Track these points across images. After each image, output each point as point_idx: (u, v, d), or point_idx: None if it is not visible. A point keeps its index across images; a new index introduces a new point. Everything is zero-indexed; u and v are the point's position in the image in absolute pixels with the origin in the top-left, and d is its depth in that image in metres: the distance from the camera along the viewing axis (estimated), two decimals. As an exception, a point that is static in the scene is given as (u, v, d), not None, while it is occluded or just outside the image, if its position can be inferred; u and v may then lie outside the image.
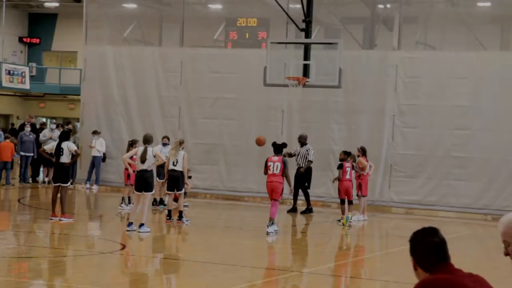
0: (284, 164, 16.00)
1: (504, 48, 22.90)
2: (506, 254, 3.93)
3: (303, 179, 20.75)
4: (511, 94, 21.56)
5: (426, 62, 22.62)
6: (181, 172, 17.30)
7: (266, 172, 16.13)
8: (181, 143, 17.44)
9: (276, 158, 16.01)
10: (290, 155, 20.37)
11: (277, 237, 16.00)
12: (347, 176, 18.64)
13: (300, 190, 20.69)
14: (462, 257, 13.52)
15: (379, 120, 22.84)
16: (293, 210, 20.92)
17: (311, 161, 20.80)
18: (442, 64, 22.36)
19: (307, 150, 20.81)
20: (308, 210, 20.85)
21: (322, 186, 22.63)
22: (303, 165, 20.73)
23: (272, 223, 15.99)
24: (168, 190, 17.62)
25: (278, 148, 16.21)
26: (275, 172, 15.90)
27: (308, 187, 20.94)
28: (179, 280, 11.43)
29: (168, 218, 17.43)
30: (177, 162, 17.21)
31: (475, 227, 20.67)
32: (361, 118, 23.04)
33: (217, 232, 17.42)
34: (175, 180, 17.22)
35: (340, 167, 18.68)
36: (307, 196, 20.92)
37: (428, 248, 3.96)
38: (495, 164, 21.71)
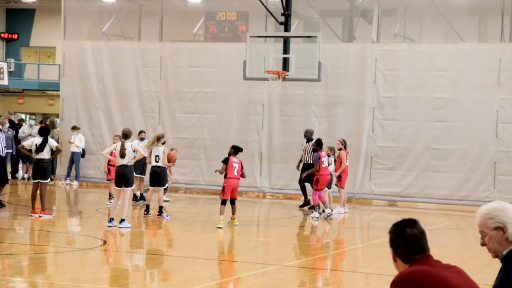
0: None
1: (482, 40, 23.00)
2: (483, 244, 3.97)
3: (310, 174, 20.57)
4: (489, 85, 21.70)
5: (405, 54, 22.70)
6: (164, 168, 17.29)
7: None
8: (159, 138, 17.32)
9: (325, 153, 18.55)
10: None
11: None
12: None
13: (299, 184, 20.62)
14: (442, 248, 13.62)
15: (359, 112, 22.91)
16: (305, 204, 20.74)
17: None
18: (421, 57, 22.45)
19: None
20: (307, 203, 20.60)
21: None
22: (310, 161, 20.42)
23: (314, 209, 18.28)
24: (150, 185, 17.55)
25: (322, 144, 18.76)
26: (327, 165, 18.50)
27: None
28: (159, 275, 11.41)
29: (145, 213, 17.40)
30: (159, 158, 17.16)
31: (455, 218, 20.80)
32: (341, 111, 23.09)
33: (198, 226, 17.41)
34: (158, 176, 17.18)
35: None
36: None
37: (407, 239, 3.98)
38: (474, 156, 21.84)
